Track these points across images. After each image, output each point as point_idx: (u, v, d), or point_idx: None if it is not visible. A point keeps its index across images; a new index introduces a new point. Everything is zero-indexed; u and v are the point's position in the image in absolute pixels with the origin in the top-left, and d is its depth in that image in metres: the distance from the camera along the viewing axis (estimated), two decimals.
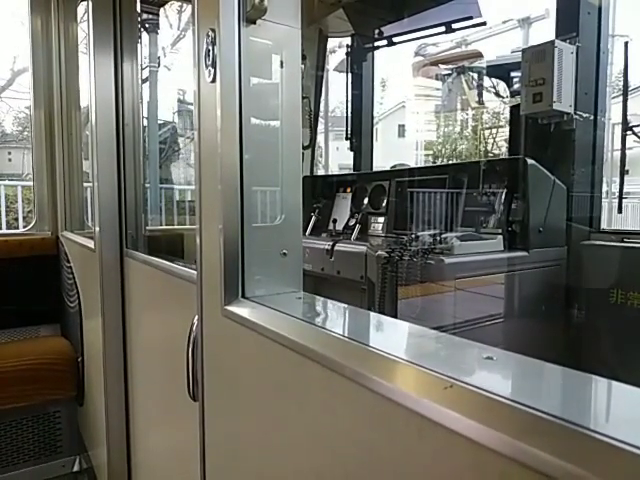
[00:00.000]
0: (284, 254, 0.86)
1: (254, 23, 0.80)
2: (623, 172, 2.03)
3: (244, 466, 0.82)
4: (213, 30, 0.80)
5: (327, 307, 0.79)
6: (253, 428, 0.78)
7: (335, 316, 0.77)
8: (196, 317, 0.95)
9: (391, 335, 0.68)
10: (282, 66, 0.83)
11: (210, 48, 0.81)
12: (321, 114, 3.22)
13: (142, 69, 1.92)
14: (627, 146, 2.04)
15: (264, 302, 0.79)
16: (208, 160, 0.88)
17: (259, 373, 0.75)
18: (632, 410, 0.39)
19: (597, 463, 0.33)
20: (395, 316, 1.61)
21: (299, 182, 0.90)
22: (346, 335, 0.60)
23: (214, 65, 0.80)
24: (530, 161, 1.71)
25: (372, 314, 0.73)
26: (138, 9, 1.90)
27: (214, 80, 0.81)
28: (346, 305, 0.76)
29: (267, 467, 0.74)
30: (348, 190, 2.48)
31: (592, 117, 1.87)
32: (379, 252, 1.71)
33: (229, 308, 0.80)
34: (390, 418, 0.48)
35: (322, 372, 0.58)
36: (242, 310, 0.78)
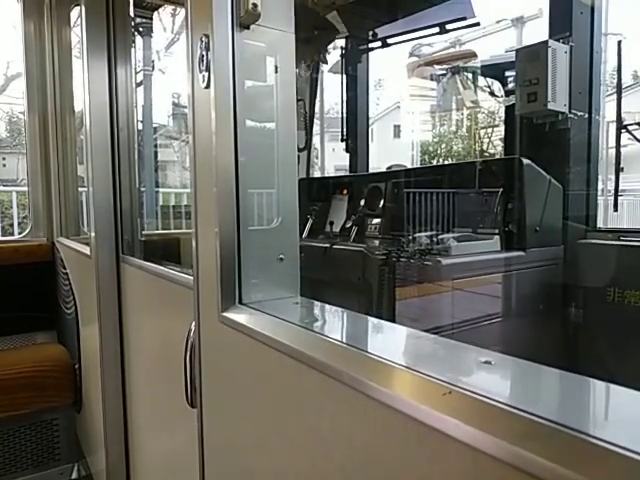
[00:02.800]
0: (281, 259, 0.86)
1: (248, 28, 0.80)
2: (618, 170, 2.04)
3: (243, 472, 0.82)
4: (207, 35, 0.79)
5: (324, 312, 0.79)
6: (252, 434, 0.78)
7: (333, 321, 0.76)
8: (193, 323, 0.95)
9: (389, 340, 0.68)
10: (276, 71, 0.83)
11: (204, 53, 0.80)
12: (316, 116, 3.22)
13: (136, 73, 1.92)
14: (621, 144, 2.05)
15: (261, 308, 0.79)
16: (203, 164, 0.88)
17: (257, 380, 0.75)
18: (630, 414, 0.39)
19: (595, 468, 0.33)
20: (393, 317, 1.61)
21: (295, 184, 0.90)
22: (344, 341, 0.60)
23: (208, 70, 0.80)
24: (526, 161, 1.72)
25: (370, 319, 0.72)
26: (131, 13, 1.89)
27: (208, 85, 0.81)
28: (344, 310, 0.76)
29: (266, 474, 0.74)
30: (344, 192, 2.48)
31: (587, 116, 1.88)
32: (376, 254, 1.71)
33: (226, 314, 0.80)
34: (389, 424, 0.48)
35: (320, 378, 0.57)
36: (239, 316, 0.78)
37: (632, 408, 0.39)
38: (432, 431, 0.43)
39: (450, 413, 0.41)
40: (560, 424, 0.36)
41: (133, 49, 1.85)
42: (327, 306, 0.79)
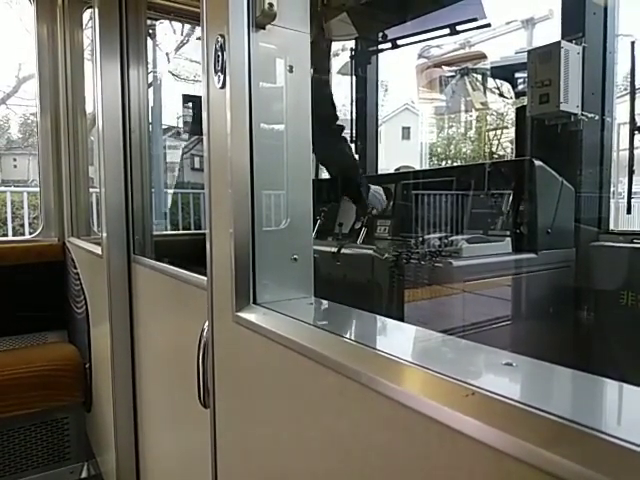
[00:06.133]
0: (294, 259, 0.85)
1: (263, 28, 0.80)
2: (631, 172, 2.01)
3: (257, 474, 0.81)
4: (222, 36, 0.79)
5: (339, 313, 0.79)
6: (266, 435, 0.78)
7: (348, 322, 0.76)
8: (206, 323, 0.95)
9: (406, 340, 0.67)
10: (292, 71, 0.83)
11: (219, 54, 0.80)
12: None
13: (147, 74, 1.93)
14: (634, 146, 2.03)
15: (276, 308, 0.79)
16: (218, 164, 0.88)
17: (272, 380, 0.75)
18: None
19: (626, 472, 0.33)
20: (402, 320, 1.60)
21: (309, 185, 0.90)
22: (361, 341, 0.59)
23: (223, 71, 0.80)
24: (537, 162, 1.71)
25: (385, 319, 0.72)
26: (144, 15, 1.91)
27: (223, 86, 0.81)
28: (359, 310, 0.75)
29: (281, 476, 0.74)
30: None
31: (599, 117, 1.86)
32: (386, 255, 1.71)
33: (240, 314, 0.80)
34: (409, 426, 0.48)
35: (337, 379, 0.57)
36: (254, 316, 0.78)
37: None
38: (454, 433, 0.42)
39: (473, 415, 0.41)
40: (587, 426, 0.35)
41: (146, 51, 1.86)
42: (342, 307, 0.78)
